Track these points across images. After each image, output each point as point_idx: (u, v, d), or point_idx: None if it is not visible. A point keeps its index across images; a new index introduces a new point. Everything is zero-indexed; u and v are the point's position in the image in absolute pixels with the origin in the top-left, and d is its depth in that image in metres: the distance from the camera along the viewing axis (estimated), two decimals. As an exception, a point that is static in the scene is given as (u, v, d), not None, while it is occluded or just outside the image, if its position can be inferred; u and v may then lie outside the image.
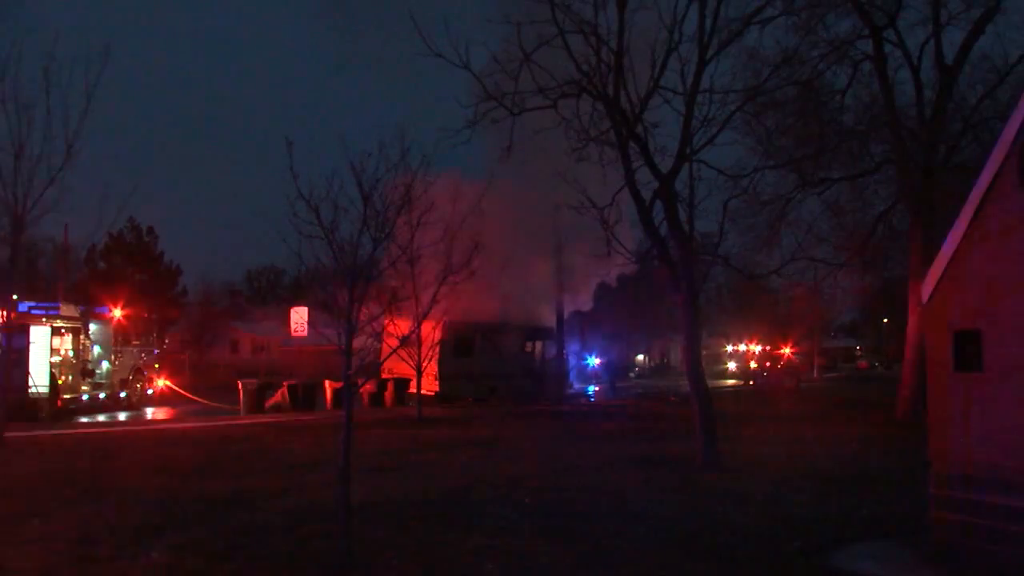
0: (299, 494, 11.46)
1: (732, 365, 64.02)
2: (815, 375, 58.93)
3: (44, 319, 26.23)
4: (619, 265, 18.76)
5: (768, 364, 57.20)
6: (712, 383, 21.18)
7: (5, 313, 18.23)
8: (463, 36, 15.89)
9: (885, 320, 65.56)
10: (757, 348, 62.09)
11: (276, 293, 71.56)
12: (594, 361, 44.54)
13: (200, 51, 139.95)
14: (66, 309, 27.62)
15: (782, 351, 55.26)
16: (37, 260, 46.39)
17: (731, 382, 52.71)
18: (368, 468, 13.10)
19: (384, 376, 26.98)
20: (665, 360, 74.97)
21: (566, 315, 36.17)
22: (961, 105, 24.77)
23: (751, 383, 50.83)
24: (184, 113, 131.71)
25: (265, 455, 15.85)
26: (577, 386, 41.25)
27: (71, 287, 44.31)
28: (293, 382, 28.25)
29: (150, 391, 32.05)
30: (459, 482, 12.67)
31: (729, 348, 71.52)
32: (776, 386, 43.59)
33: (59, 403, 25.97)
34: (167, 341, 43.15)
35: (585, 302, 37.09)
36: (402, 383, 28.28)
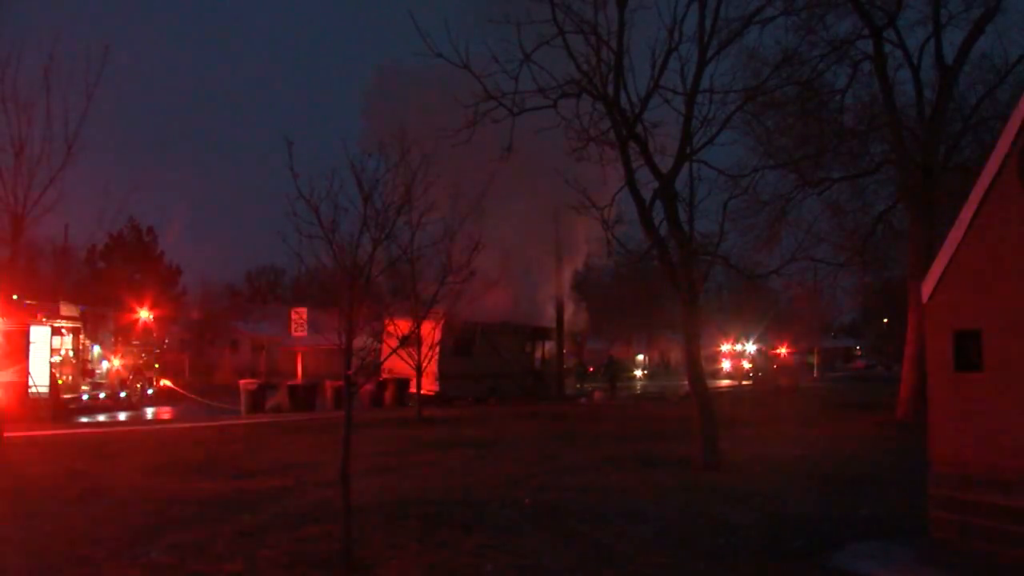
0: (299, 494, 11.45)
1: (727, 365, 63.94)
2: (815, 375, 58.90)
3: (44, 319, 26.23)
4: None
5: (767, 364, 57.21)
6: (711, 383, 21.17)
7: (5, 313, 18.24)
8: (463, 36, 15.90)
9: (885, 320, 65.54)
10: (755, 348, 62.05)
11: (276, 293, 71.54)
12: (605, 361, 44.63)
13: (201, 51, 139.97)
14: (66, 309, 27.63)
15: (779, 351, 55.22)
16: (37, 260, 46.33)
17: (726, 382, 52.72)
18: (368, 468, 13.12)
19: (384, 376, 27.01)
20: (665, 360, 74.89)
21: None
22: (961, 105, 24.74)
23: (749, 383, 50.84)
24: (184, 113, 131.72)
25: (265, 455, 15.85)
26: (580, 386, 41.30)
27: (71, 287, 44.29)
28: (293, 382, 28.29)
29: (150, 391, 32.06)
30: (459, 482, 12.68)
31: (726, 348, 71.51)
32: (774, 386, 43.59)
33: (59, 403, 25.97)
34: (167, 341, 43.15)
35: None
36: (402, 383, 28.27)
